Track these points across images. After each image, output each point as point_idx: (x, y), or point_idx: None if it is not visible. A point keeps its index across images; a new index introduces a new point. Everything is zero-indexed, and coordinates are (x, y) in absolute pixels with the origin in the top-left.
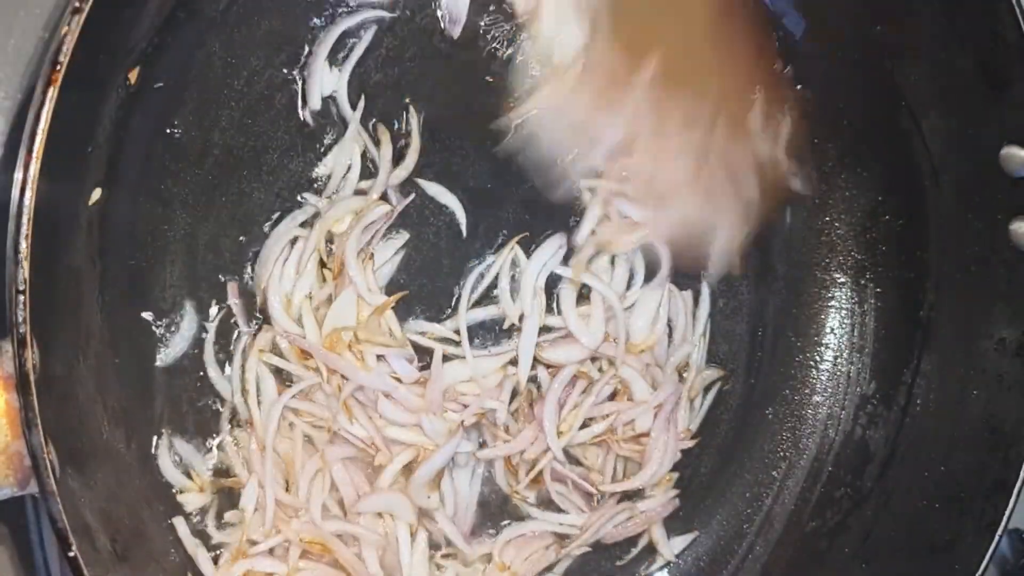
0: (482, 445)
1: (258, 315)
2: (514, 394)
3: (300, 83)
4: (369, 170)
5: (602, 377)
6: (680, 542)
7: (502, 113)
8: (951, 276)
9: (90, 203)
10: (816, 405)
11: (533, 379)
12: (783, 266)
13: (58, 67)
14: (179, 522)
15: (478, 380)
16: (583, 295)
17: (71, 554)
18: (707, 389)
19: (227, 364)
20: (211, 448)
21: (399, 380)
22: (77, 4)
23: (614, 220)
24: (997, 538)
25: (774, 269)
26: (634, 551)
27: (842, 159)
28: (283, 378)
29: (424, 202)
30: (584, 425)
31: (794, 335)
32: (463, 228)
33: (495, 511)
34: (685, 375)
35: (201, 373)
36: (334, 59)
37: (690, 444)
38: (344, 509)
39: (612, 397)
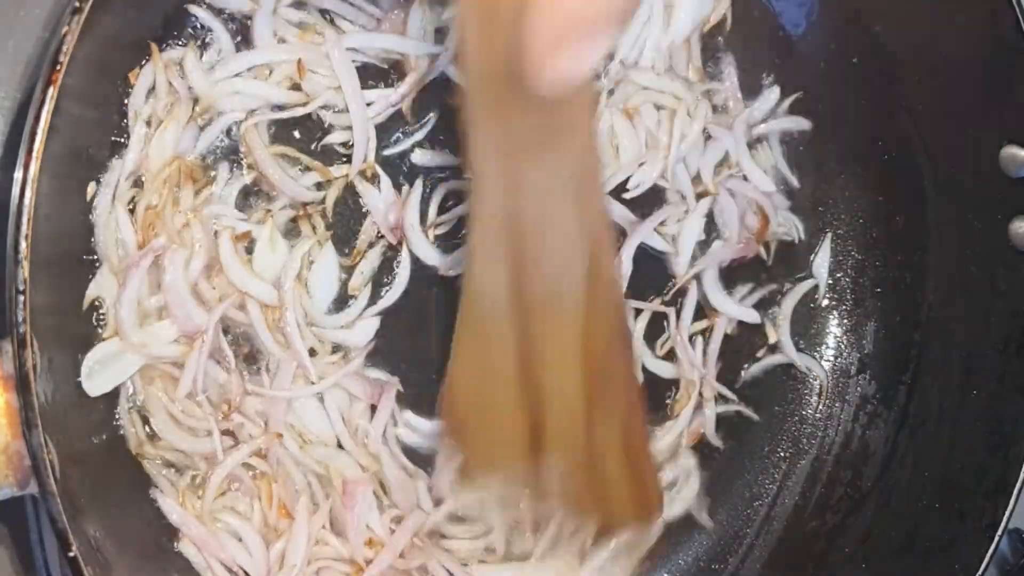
0: None
1: None
2: None
3: None
4: None
5: None
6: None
7: None
8: (951, 276)
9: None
10: (816, 405)
11: None
12: (782, 266)
13: (58, 67)
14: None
15: None
16: None
17: (71, 554)
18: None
19: None
20: None
21: None
22: (77, 4)
23: None
24: (997, 538)
25: (774, 269)
26: None
27: (842, 159)
28: None
29: None
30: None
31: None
32: None
33: None
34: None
35: None
36: None
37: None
38: None
39: None
